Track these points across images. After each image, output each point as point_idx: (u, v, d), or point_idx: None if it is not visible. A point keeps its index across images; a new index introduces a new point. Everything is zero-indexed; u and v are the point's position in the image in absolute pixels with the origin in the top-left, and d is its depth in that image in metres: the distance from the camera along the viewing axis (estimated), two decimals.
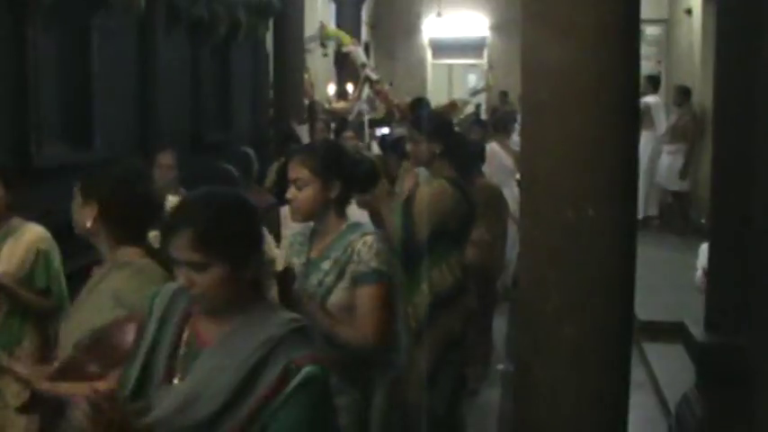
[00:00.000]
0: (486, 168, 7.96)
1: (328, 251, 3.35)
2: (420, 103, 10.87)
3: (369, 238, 3.27)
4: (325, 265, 3.32)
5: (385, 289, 3.25)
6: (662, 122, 12.37)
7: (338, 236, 3.34)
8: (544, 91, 3.12)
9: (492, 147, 8.71)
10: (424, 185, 4.64)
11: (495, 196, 6.94)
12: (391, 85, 14.64)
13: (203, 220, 2.25)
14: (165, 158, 6.10)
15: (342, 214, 3.42)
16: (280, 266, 3.60)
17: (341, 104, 13.02)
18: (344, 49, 13.65)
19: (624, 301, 3.24)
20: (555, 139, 3.11)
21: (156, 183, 5.58)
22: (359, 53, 13.60)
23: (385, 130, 11.40)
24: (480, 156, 7.23)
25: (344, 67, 14.16)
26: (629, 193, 3.19)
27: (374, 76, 13.27)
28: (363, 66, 13.33)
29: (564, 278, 3.14)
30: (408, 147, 4.90)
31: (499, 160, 8.71)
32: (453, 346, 4.59)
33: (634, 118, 3.23)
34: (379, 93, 13.17)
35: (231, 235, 2.27)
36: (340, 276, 3.27)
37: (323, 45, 13.69)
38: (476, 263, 6.06)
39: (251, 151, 6.68)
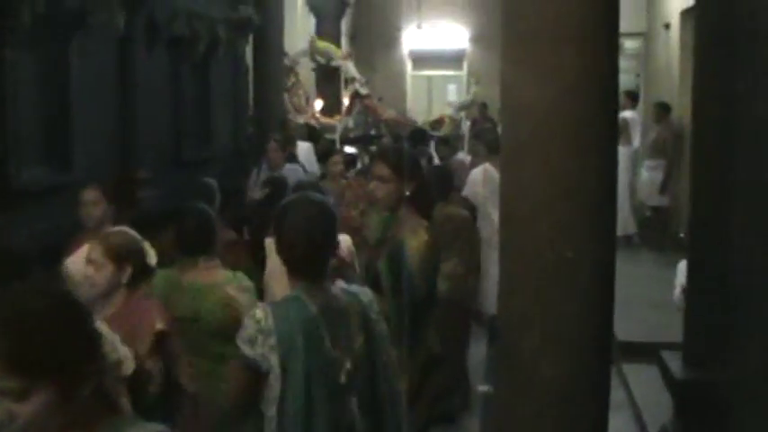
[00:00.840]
0: (479, 191, 7.73)
1: None
2: (420, 135, 10.24)
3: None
4: None
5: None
6: (637, 137, 12.51)
7: None
8: (523, 131, 3.14)
9: (486, 168, 7.97)
10: (409, 237, 3.89)
11: (467, 225, 6.60)
12: (381, 99, 14.28)
13: (15, 335, 1.77)
14: (89, 194, 5.39)
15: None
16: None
17: (327, 120, 12.81)
18: (334, 63, 13.46)
19: (603, 337, 3.26)
20: (534, 180, 3.13)
21: (84, 224, 5.28)
22: (348, 67, 13.37)
23: (350, 150, 11.00)
24: (449, 180, 6.83)
25: (333, 82, 13.94)
26: (608, 233, 3.21)
27: (363, 91, 13.09)
28: (353, 80, 13.12)
29: (543, 316, 3.16)
30: (372, 186, 4.08)
31: (494, 184, 7.49)
32: (438, 401, 4.28)
33: (613, 159, 3.25)
34: (368, 107, 12.96)
35: (55, 348, 1.78)
36: None
37: (313, 59, 13.46)
38: (450, 297, 5.79)
39: (213, 182, 6.47)
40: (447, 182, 6.70)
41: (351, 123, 12.80)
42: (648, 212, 12.45)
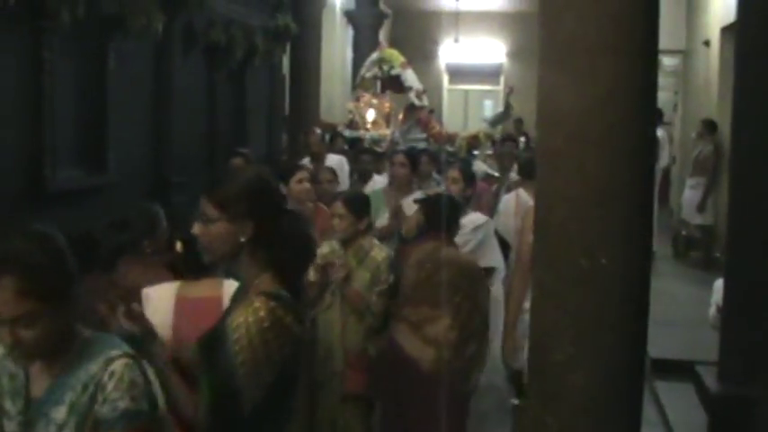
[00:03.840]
0: (511, 222, 6.79)
1: (59, 388, 2.31)
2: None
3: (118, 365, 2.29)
4: (58, 412, 2.29)
5: None
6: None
7: (71, 360, 2.33)
8: (559, 137, 3.09)
9: (519, 194, 7.00)
10: (237, 311, 2.67)
11: (470, 276, 5.06)
12: (432, 112, 13.16)
13: (21, 272, 2.13)
14: None
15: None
16: None
17: (382, 132, 12.11)
18: (394, 72, 12.38)
19: (637, 349, 3.19)
20: (569, 186, 3.07)
21: None
22: (407, 75, 12.31)
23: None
24: (452, 213, 5.28)
25: (394, 92, 12.84)
26: (644, 240, 3.15)
27: (418, 102, 12.06)
28: (409, 89, 12.11)
29: (575, 326, 3.10)
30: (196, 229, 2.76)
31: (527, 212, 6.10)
32: None
33: (650, 166, 3.20)
34: (420, 120, 11.90)
35: (54, 278, 2.18)
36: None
37: (380, 68, 12.47)
38: (433, 373, 4.71)
39: (157, 208, 4.84)
40: (454, 214, 5.30)
41: (397, 136, 11.97)
42: (684, 231, 12.35)
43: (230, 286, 3.58)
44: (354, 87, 12.87)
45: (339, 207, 5.14)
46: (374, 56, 12.70)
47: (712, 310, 7.50)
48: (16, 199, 5.35)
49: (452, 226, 5.25)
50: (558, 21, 3.15)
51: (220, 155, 8.48)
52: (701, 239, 11.77)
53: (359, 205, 5.18)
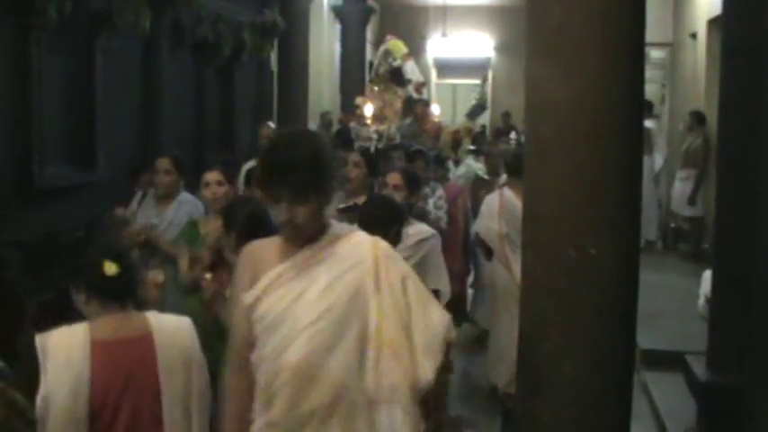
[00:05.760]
0: (494, 226, 6.14)
1: None
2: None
3: None
4: None
5: None
6: (661, 147, 12.51)
7: None
8: (547, 128, 3.10)
9: (504, 193, 6.27)
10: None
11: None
12: (427, 105, 12.21)
13: None
14: None
15: None
16: None
17: (381, 127, 11.68)
18: (395, 64, 11.70)
19: (625, 338, 3.21)
20: (557, 177, 3.09)
21: None
22: (407, 67, 11.71)
23: None
24: (392, 215, 4.27)
25: (395, 84, 11.88)
26: (632, 231, 3.16)
27: (416, 96, 11.49)
28: (408, 82, 11.56)
29: (564, 316, 3.11)
30: None
31: (512, 211, 5.87)
32: None
33: (638, 155, 3.21)
34: (417, 115, 11.21)
35: None
36: None
37: (386, 60, 11.76)
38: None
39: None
40: (386, 218, 4.19)
41: (393, 131, 11.53)
42: (673, 224, 12.40)
43: (161, 321, 3.07)
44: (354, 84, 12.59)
45: None
46: (381, 49, 12.44)
47: (701, 301, 7.54)
48: (3, 195, 5.34)
49: (393, 237, 4.02)
50: (547, 13, 3.16)
51: (208, 150, 8.47)
52: (690, 231, 11.81)
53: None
